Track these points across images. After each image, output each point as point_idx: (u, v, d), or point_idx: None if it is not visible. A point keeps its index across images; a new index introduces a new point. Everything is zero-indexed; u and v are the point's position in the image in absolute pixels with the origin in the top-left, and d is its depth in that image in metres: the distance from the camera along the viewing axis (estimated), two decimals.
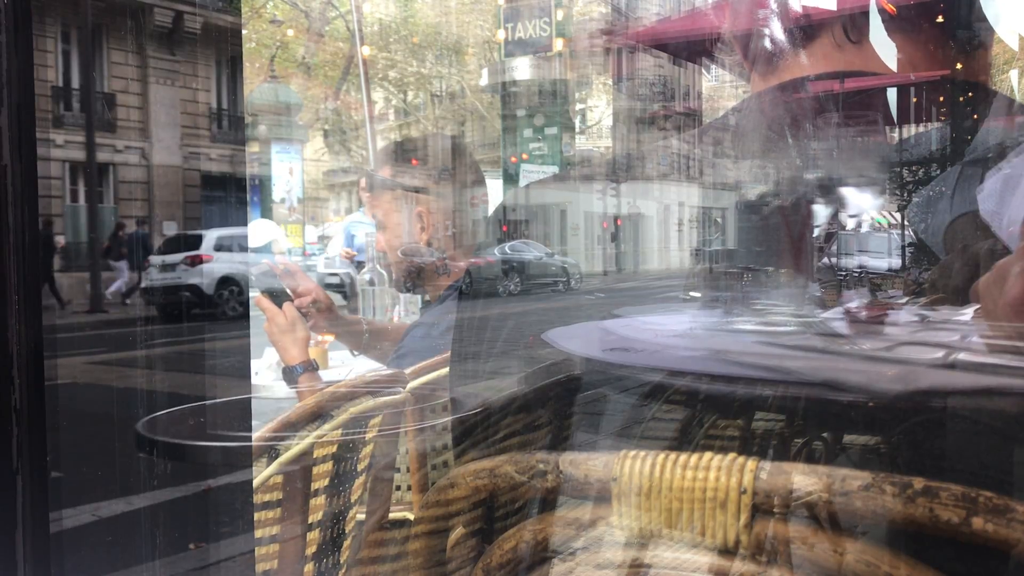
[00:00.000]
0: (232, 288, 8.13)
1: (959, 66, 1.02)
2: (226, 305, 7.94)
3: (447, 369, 1.66)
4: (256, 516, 1.25)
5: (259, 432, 1.28)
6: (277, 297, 1.82)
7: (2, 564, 0.89)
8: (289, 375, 1.78)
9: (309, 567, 1.31)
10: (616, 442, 0.97)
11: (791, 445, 0.88)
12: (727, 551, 0.64)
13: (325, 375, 1.96)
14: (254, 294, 1.94)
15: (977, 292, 0.75)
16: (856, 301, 1.01)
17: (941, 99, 1.06)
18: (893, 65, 0.98)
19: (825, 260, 1.02)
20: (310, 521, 1.30)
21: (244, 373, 2.27)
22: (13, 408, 0.89)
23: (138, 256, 9.11)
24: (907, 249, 1.02)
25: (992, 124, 1.04)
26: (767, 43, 1.02)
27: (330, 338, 2.30)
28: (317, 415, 1.31)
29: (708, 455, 0.65)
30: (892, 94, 1.04)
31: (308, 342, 1.82)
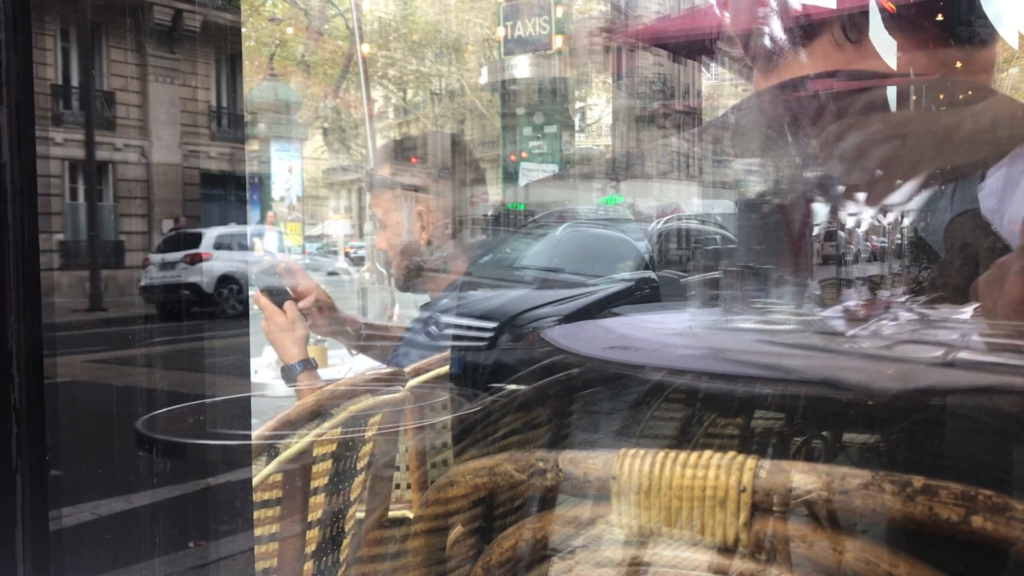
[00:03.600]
0: (232, 286, 8.13)
1: (959, 64, 1.01)
2: (226, 303, 7.94)
3: (447, 367, 1.66)
4: (256, 514, 1.25)
5: (259, 430, 1.28)
6: (276, 295, 1.82)
7: (2, 562, 0.89)
8: (288, 373, 1.78)
9: (308, 565, 1.31)
10: (615, 440, 0.97)
11: (790, 443, 0.88)
12: (726, 549, 0.64)
13: (324, 373, 1.96)
14: (253, 292, 1.94)
15: (977, 290, 0.75)
16: (856, 299, 1.01)
17: (941, 97, 1.05)
18: (893, 64, 0.98)
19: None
20: (310, 519, 1.30)
21: (244, 371, 2.26)
22: (13, 406, 0.89)
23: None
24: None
25: None
26: (768, 41, 1.02)
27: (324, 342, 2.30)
28: (317, 413, 1.31)
29: (707, 453, 0.65)
30: (892, 93, 1.03)
31: (307, 340, 1.82)
